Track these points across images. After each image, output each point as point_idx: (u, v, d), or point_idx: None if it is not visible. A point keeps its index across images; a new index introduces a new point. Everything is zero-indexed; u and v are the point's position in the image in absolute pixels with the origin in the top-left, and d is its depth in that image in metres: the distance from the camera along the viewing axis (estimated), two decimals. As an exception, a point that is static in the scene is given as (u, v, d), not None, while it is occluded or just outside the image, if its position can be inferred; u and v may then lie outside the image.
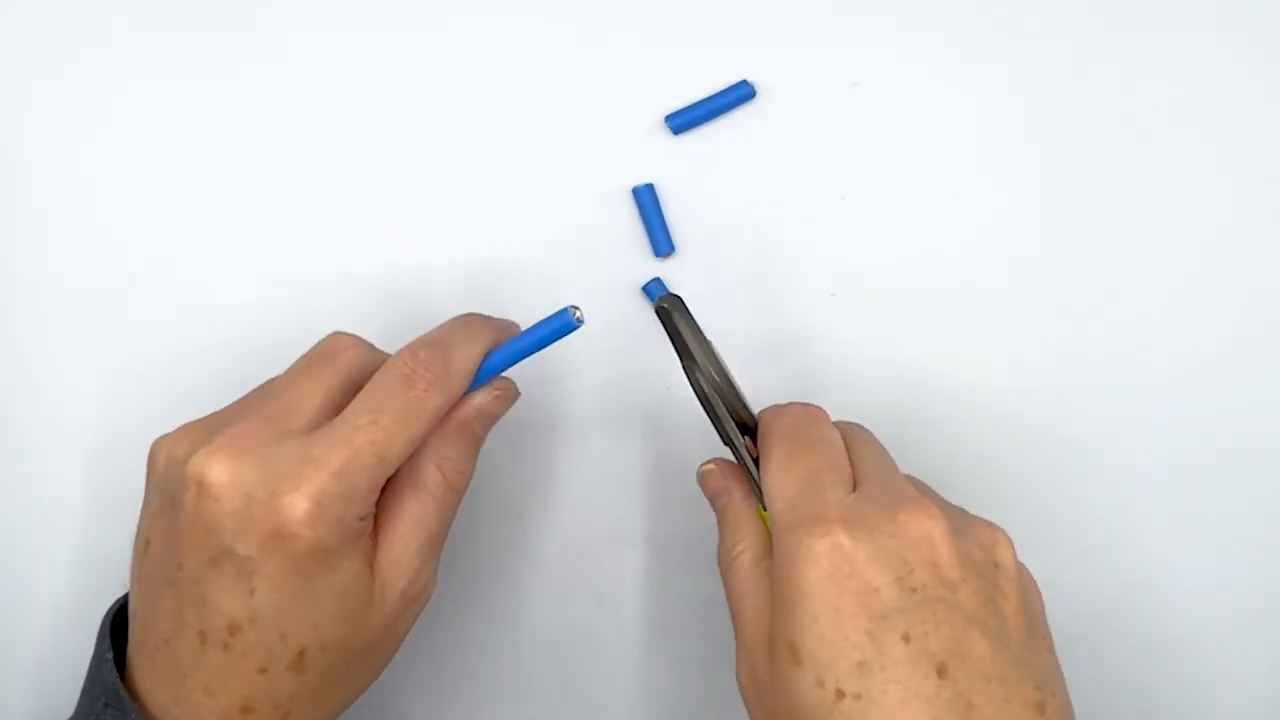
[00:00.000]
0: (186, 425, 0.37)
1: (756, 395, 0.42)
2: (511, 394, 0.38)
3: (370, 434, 0.34)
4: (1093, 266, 0.45)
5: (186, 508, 0.33)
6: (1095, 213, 0.45)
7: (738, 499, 0.38)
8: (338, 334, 0.38)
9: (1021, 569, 0.35)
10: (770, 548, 0.35)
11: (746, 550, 0.36)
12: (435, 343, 0.36)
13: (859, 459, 0.36)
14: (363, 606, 0.35)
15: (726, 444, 0.38)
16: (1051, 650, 0.34)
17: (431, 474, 0.36)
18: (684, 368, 0.38)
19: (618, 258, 0.45)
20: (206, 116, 0.46)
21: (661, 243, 0.44)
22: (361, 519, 0.34)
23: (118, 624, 0.37)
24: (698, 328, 0.37)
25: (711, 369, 0.37)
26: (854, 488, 0.35)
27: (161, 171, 0.46)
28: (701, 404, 0.38)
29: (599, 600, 0.45)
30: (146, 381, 0.45)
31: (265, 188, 0.46)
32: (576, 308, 0.36)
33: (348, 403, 0.35)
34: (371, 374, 0.36)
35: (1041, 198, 0.45)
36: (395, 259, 0.45)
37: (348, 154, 0.46)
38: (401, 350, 0.36)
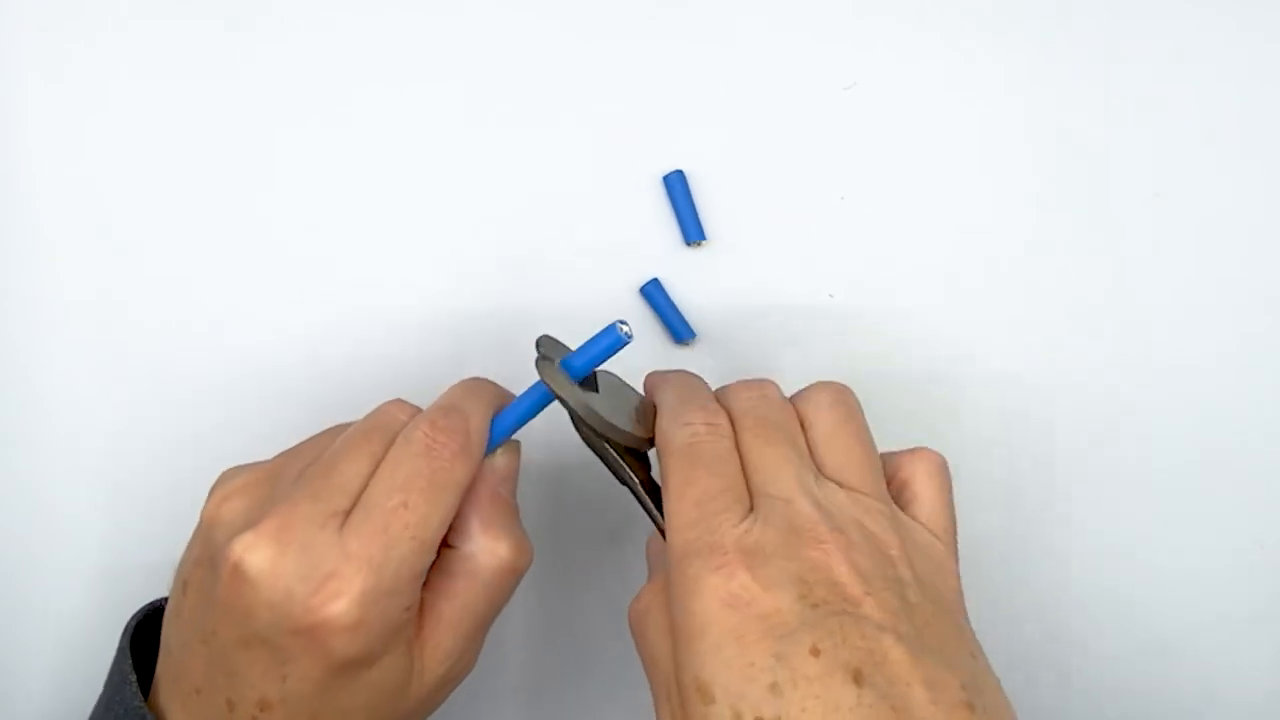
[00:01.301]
0: (246, 478, 0.36)
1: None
2: (518, 448, 0.37)
3: (404, 518, 0.33)
4: (1092, 265, 0.45)
5: (224, 583, 0.33)
6: (1094, 212, 0.45)
7: (652, 550, 0.37)
8: (395, 404, 0.37)
9: (921, 563, 0.33)
10: (661, 582, 0.34)
11: (645, 594, 0.34)
12: (451, 409, 0.35)
13: (761, 469, 0.34)
14: (400, 693, 0.34)
15: (623, 484, 0.37)
16: (976, 652, 0.32)
17: (484, 559, 0.35)
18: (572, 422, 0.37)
19: (617, 258, 0.45)
20: (211, 120, 0.46)
21: (692, 230, 0.44)
22: (407, 609, 0.33)
23: (136, 638, 0.37)
24: (563, 382, 0.36)
25: (598, 413, 0.36)
26: (749, 508, 0.33)
27: (163, 179, 0.46)
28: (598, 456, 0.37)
29: (598, 600, 0.45)
30: (148, 387, 0.45)
31: (270, 189, 0.46)
32: (624, 322, 0.35)
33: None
34: None
35: (1041, 197, 0.45)
36: (404, 258, 0.45)
37: (353, 155, 0.46)
38: (418, 420, 0.35)
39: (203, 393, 0.45)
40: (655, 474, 0.36)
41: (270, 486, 0.35)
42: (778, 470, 0.34)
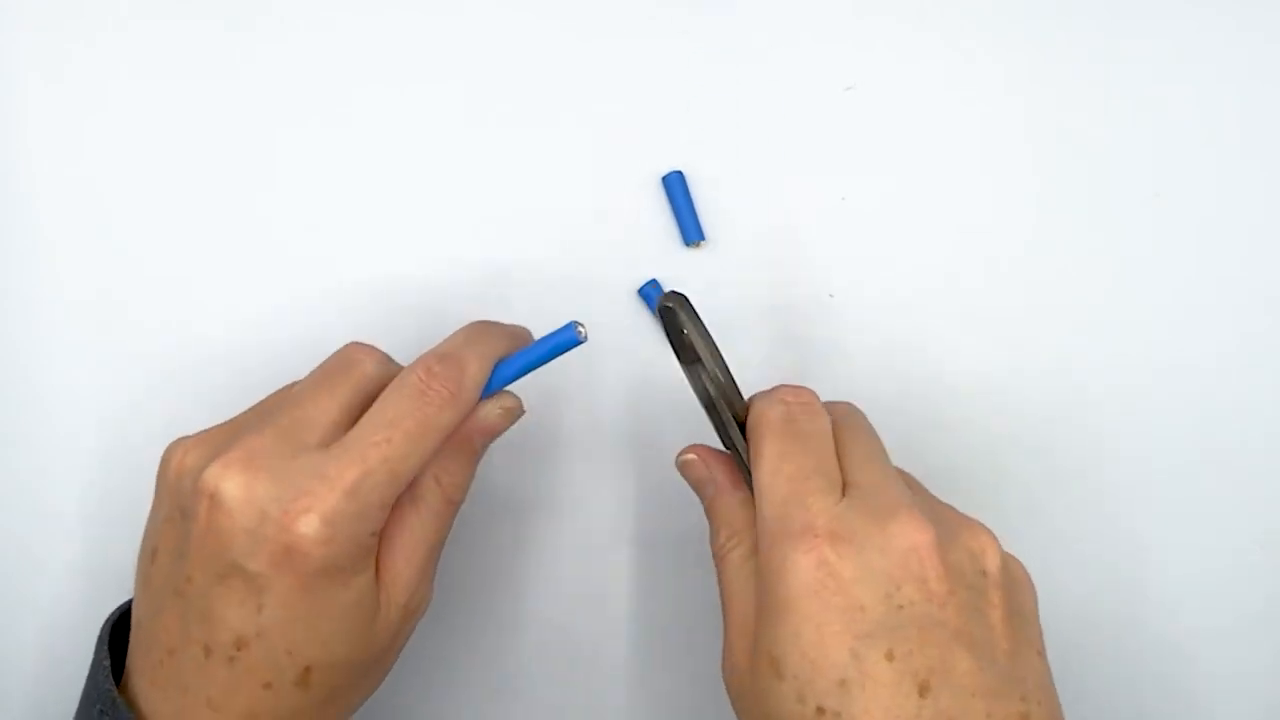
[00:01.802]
0: (201, 433, 0.36)
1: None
2: (518, 410, 0.38)
3: (384, 451, 0.33)
4: (1092, 265, 0.45)
5: (198, 520, 0.33)
6: (1094, 212, 0.45)
7: (726, 490, 0.37)
8: (354, 345, 0.38)
9: (1009, 568, 0.34)
10: (757, 544, 0.35)
11: (737, 546, 0.36)
12: (449, 356, 0.36)
13: (849, 455, 0.35)
14: (369, 622, 0.35)
15: (729, 448, 0.38)
16: (1040, 653, 0.34)
17: (430, 488, 0.36)
18: (685, 369, 0.37)
19: (616, 258, 0.45)
20: (211, 120, 0.46)
21: (691, 230, 0.44)
22: (373, 535, 0.34)
23: (117, 632, 0.37)
24: (704, 327, 0.37)
25: (717, 370, 0.37)
26: (843, 491, 0.34)
27: (163, 179, 0.46)
28: (704, 407, 0.38)
29: (597, 600, 0.45)
30: (149, 387, 0.45)
31: (271, 189, 0.46)
32: (580, 324, 0.36)
33: (362, 416, 0.35)
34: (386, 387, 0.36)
35: (1041, 197, 0.45)
36: (404, 258, 0.45)
37: (353, 155, 0.46)
38: (415, 363, 0.36)
39: (203, 393, 0.45)
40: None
41: (229, 433, 0.36)
42: (870, 458, 0.35)
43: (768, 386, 0.43)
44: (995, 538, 0.34)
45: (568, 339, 0.36)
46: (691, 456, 0.38)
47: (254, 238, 0.46)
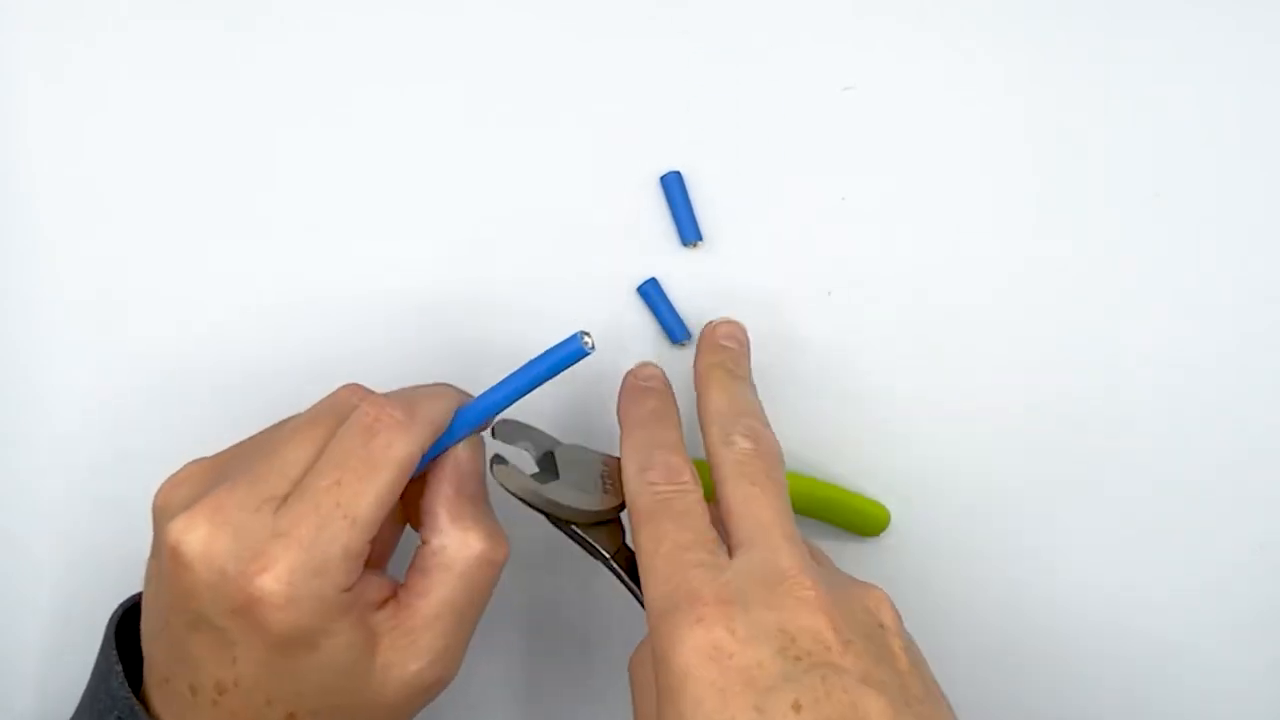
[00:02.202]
0: (189, 470, 0.36)
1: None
2: (481, 443, 0.37)
3: (335, 495, 0.33)
4: (1092, 265, 0.45)
5: (165, 568, 0.33)
6: (1094, 212, 0.45)
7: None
8: (347, 389, 0.36)
9: (901, 627, 0.33)
10: None
11: (640, 648, 0.35)
12: (399, 393, 0.35)
13: (736, 517, 0.34)
14: (357, 680, 0.34)
15: (595, 558, 0.38)
16: (950, 709, 0.32)
17: (456, 550, 0.35)
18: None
19: (615, 258, 0.45)
20: (211, 120, 0.46)
21: (688, 230, 0.44)
22: (345, 590, 0.33)
23: (123, 630, 0.37)
24: (524, 483, 0.36)
25: (557, 502, 0.36)
26: (731, 554, 0.33)
27: (163, 179, 0.46)
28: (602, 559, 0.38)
29: (596, 600, 0.45)
30: (148, 388, 0.45)
31: (270, 189, 0.46)
32: (587, 333, 0.35)
33: None
34: None
35: (1041, 197, 0.45)
36: (404, 257, 0.45)
37: (353, 155, 0.46)
38: (362, 402, 0.35)
39: (203, 393, 0.45)
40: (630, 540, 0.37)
41: (216, 474, 0.35)
42: (763, 517, 0.34)
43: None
44: (888, 598, 0.33)
45: (573, 350, 0.35)
46: None
47: (254, 238, 0.46)
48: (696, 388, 0.40)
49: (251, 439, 0.37)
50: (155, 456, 0.45)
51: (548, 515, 0.37)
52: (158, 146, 0.46)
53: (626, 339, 0.45)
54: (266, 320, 0.45)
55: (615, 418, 0.40)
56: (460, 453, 0.36)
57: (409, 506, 0.36)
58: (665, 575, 0.33)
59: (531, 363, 0.36)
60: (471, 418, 0.36)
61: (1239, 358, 0.44)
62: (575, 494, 0.37)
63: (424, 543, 0.36)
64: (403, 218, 0.45)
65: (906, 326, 0.45)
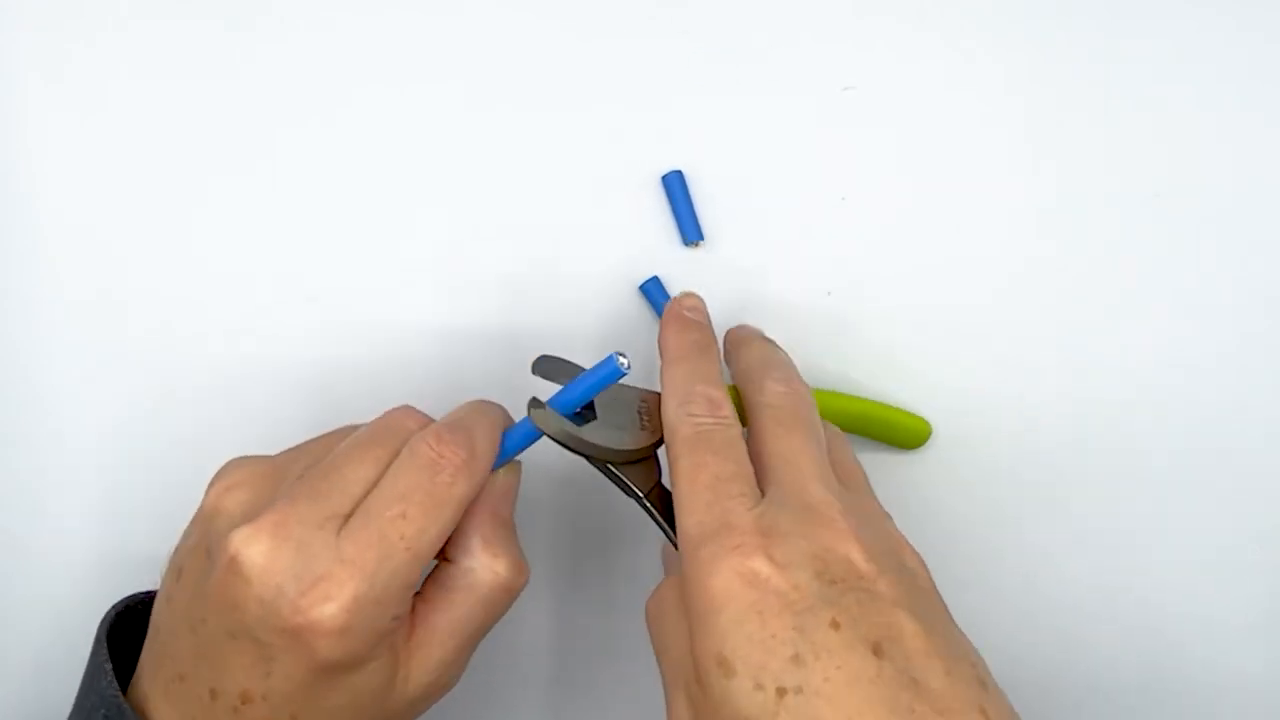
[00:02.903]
0: (241, 470, 0.36)
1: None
2: (519, 468, 0.38)
3: (401, 529, 0.33)
4: (1092, 265, 0.45)
5: (218, 573, 0.33)
6: (1094, 212, 0.45)
7: (667, 553, 0.38)
8: (403, 410, 0.37)
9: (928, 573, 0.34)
10: (678, 577, 0.34)
11: (661, 588, 0.35)
12: (458, 425, 0.36)
13: (770, 455, 0.35)
14: (380, 699, 0.34)
15: (629, 496, 0.38)
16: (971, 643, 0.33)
17: (482, 574, 0.36)
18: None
19: (615, 258, 0.45)
20: (211, 120, 0.46)
21: (690, 230, 0.44)
22: (395, 619, 0.34)
23: (117, 631, 0.37)
24: (569, 429, 0.36)
25: (593, 443, 0.36)
26: (762, 493, 0.34)
27: (163, 179, 0.46)
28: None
29: (597, 601, 0.45)
30: (148, 388, 0.45)
31: (271, 189, 0.46)
32: (622, 354, 0.35)
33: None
34: None
35: (1041, 197, 0.45)
36: (404, 257, 0.45)
37: (353, 156, 0.46)
38: (424, 433, 0.35)
39: (203, 393, 0.45)
40: (666, 479, 0.37)
41: (274, 481, 0.35)
42: (796, 457, 0.35)
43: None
44: (911, 545, 0.35)
45: (611, 371, 0.35)
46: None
47: (254, 238, 0.46)
48: (726, 349, 0.41)
49: (305, 446, 0.37)
50: (155, 456, 0.45)
51: (584, 455, 0.37)
52: (158, 146, 0.46)
53: (628, 337, 0.45)
54: (266, 320, 0.45)
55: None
56: (499, 479, 0.37)
57: None
58: (704, 504, 0.33)
59: (571, 385, 0.37)
60: (512, 445, 0.37)
61: (1239, 357, 0.44)
62: (612, 433, 0.37)
63: (449, 560, 0.36)
64: (402, 217, 0.45)
65: (906, 327, 0.45)
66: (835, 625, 0.30)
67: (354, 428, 0.37)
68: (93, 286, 0.46)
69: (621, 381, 0.37)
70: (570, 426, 0.36)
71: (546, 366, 0.39)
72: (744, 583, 0.31)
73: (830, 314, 0.45)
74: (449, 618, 0.35)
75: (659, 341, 0.39)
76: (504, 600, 0.36)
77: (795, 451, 0.35)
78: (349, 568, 0.32)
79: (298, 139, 0.46)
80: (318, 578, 0.32)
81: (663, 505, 0.37)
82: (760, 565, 0.31)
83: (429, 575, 0.36)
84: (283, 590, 0.32)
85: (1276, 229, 0.45)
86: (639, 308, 0.45)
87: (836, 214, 0.45)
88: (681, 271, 0.45)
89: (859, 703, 0.29)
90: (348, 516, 0.34)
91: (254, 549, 0.32)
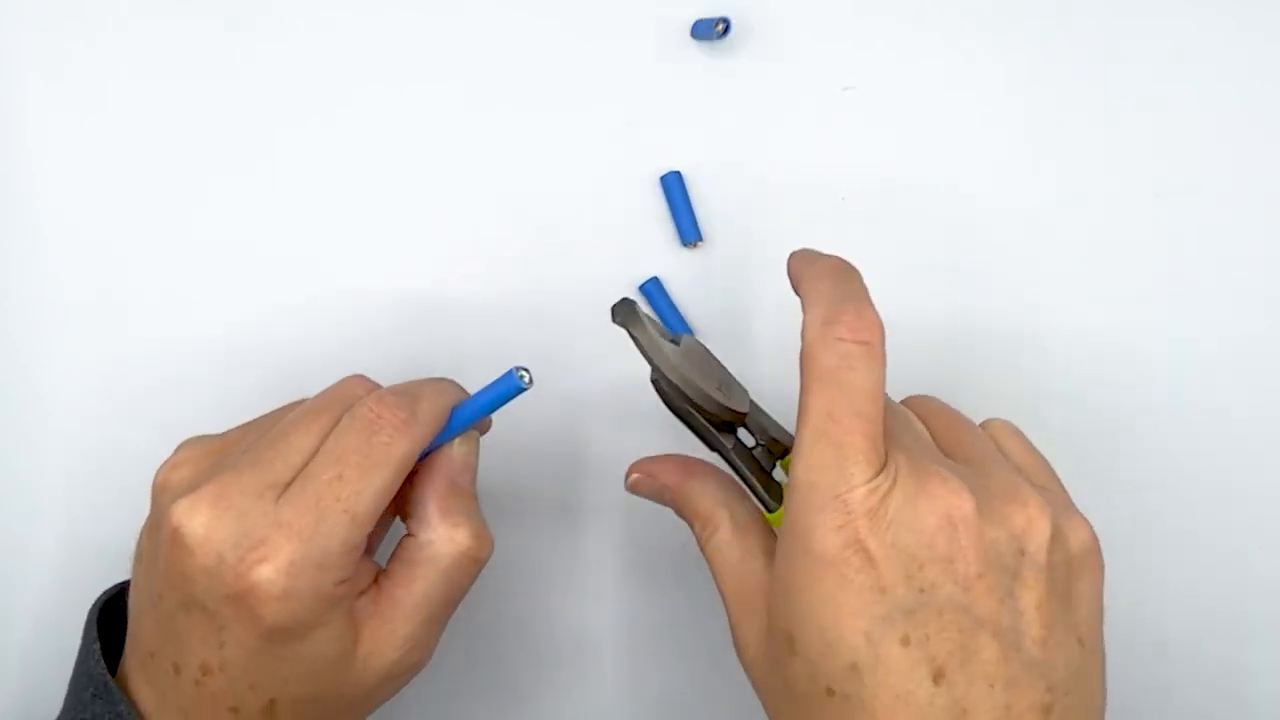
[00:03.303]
0: (190, 448, 0.36)
1: (752, 394, 0.43)
2: (476, 439, 0.37)
3: (336, 490, 0.33)
4: (1092, 266, 0.45)
5: (164, 547, 0.33)
6: (1094, 212, 0.45)
7: (680, 485, 0.37)
8: (355, 379, 0.37)
9: (1066, 545, 0.32)
10: (744, 519, 0.35)
11: (714, 531, 0.35)
12: (401, 390, 0.35)
13: (902, 421, 0.34)
14: (340, 669, 0.34)
15: (712, 450, 0.37)
16: (1083, 640, 0.32)
17: (443, 546, 0.35)
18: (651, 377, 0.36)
19: (615, 258, 0.45)
20: (211, 120, 0.46)
21: (688, 230, 0.44)
22: (339, 583, 0.33)
23: (110, 615, 0.37)
24: (650, 335, 0.35)
25: (681, 373, 0.35)
26: (885, 460, 0.31)
27: (163, 179, 0.46)
28: (676, 414, 0.37)
29: (595, 601, 0.45)
30: (148, 388, 0.45)
31: (271, 190, 0.46)
32: (524, 369, 0.35)
33: None
34: None
35: (1041, 198, 0.45)
36: (404, 258, 0.45)
37: (353, 156, 0.46)
38: (367, 397, 0.35)
39: (203, 393, 0.45)
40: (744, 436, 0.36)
41: (219, 456, 0.35)
42: (905, 427, 0.33)
43: (764, 385, 0.44)
44: (1046, 513, 0.32)
45: (510, 386, 0.35)
46: (636, 476, 0.38)
47: (254, 238, 0.46)
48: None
49: (255, 422, 0.37)
50: (155, 456, 0.45)
51: (667, 388, 0.35)
52: (158, 146, 0.46)
53: (626, 338, 0.45)
54: (265, 321, 0.45)
55: (613, 416, 0.40)
56: (455, 449, 0.37)
57: (398, 497, 0.36)
58: (825, 462, 0.31)
59: (473, 398, 0.36)
60: (468, 415, 0.37)
61: (1239, 357, 0.44)
62: (703, 381, 0.35)
63: (410, 534, 0.36)
64: (403, 218, 0.45)
65: (906, 327, 0.45)
66: (905, 642, 0.30)
67: (302, 402, 0.37)
68: (93, 286, 0.46)
69: (704, 350, 0.36)
70: (675, 355, 0.35)
71: (628, 311, 0.35)
72: (832, 568, 0.30)
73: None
74: (411, 591, 0.35)
75: (790, 272, 0.35)
76: (468, 571, 0.36)
77: (903, 424, 0.34)
78: (285, 530, 0.32)
79: (297, 139, 0.46)
80: (256, 542, 0.32)
81: (748, 461, 0.36)
82: (854, 554, 0.30)
83: (394, 553, 0.36)
84: (224, 558, 0.32)
85: (1277, 229, 0.44)
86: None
87: (836, 214, 0.45)
88: (681, 271, 0.45)
89: None
90: (288, 484, 0.33)
91: (195, 520, 0.32)
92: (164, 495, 0.35)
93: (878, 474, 0.31)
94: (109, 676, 0.34)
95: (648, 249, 0.45)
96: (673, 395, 0.36)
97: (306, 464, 0.34)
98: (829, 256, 0.35)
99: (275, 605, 0.32)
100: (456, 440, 0.37)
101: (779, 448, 0.37)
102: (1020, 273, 0.45)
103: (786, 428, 0.37)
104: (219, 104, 0.46)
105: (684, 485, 0.37)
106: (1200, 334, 0.44)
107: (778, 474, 0.37)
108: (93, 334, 0.45)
